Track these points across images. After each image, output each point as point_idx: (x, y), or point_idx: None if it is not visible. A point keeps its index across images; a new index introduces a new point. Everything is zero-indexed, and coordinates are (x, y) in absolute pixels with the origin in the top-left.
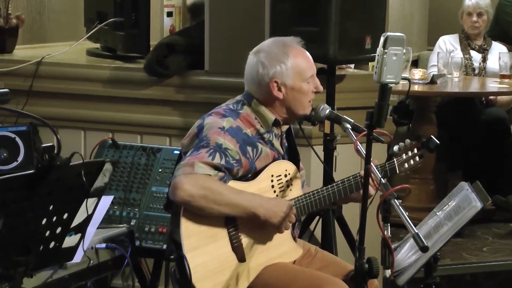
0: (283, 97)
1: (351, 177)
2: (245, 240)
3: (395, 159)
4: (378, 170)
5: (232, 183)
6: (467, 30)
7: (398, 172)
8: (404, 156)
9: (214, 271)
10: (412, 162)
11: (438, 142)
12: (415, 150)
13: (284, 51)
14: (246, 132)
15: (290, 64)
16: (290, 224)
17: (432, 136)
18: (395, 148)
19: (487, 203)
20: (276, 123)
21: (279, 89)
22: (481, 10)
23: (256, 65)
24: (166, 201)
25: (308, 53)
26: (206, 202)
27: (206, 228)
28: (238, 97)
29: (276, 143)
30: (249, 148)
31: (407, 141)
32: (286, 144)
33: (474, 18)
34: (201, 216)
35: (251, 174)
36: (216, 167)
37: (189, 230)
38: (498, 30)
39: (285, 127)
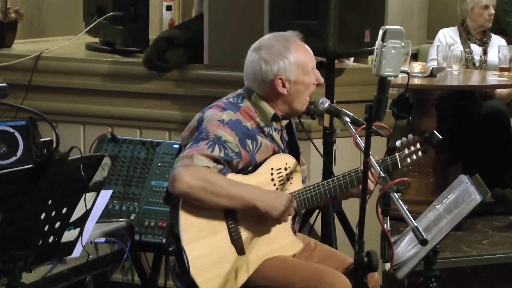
0: (287, 92)
1: (352, 171)
2: (244, 233)
3: (397, 154)
4: (379, 165)
5: (232, 176)
6: (483, 24)
7: (400, 167)
8: (406, 151)
9: (213, 264)
10: (414, 157)
11: (441, 137)
12: (418, 145)
13: (285, 46)
14: (246, 125)
15: (293, 58)
16: (290, 217)
17: (435, 131)
18: (398, 143)
19: (486, 196)
20: (275, 118)
21: (283, 85)
22: (493, 2)
23: (258, 62)
24: (166, 194)
25: (307, 46)
26: (205, 194)
27: (205, 220)
28: (239, 91)
29: (276, 137)
30: (248, 141)
31: (410, 136)
32: (286, 138)
33: (492, 11)
34: (200, 208)
35: (251, 167)
36: (215, 159)
37: (188, 223)
38: (498, 24)
39: (285, 122)
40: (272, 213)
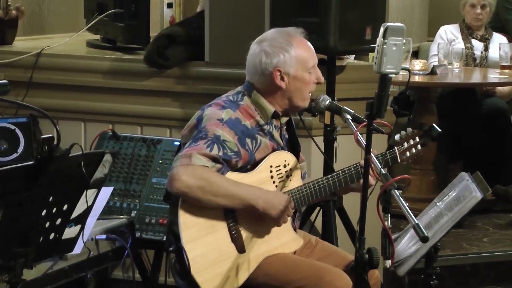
0: (285, 86)
1: (351, 167)
2: (244, 231)
3: (396, 148)
4: (379, 159)
5: (231, 174)
6: (470, 22)
7: (399, 161)
8: (405, 144)
9: (213, 262)
10: (414, 150)
11: (440, 130)
12: (417, 139)
13: (287, 40)
14: (245, 124)
15: (294, 53)
16: (288, 218)
17: (434, 124)
18: (397, 136)
19: (487, 193)
20: (276, 115)
21: (282, 78)
22: (484, 2)
23: (259, 54)
24: (166, 192)
25: (310, 44)
26: (203, 194)
27: (204, 219)
28: (239, 88)
29: (276, 135)
30: (248, 140)
31: (409, 129)
32: (286, 135)
33: (478, 10)
34: (200, 207)
35: (250, 165)
36: (214, 159)
37: (187, 222)
38: (499, 22)
39: (284, 119)
40: (271, 212)
